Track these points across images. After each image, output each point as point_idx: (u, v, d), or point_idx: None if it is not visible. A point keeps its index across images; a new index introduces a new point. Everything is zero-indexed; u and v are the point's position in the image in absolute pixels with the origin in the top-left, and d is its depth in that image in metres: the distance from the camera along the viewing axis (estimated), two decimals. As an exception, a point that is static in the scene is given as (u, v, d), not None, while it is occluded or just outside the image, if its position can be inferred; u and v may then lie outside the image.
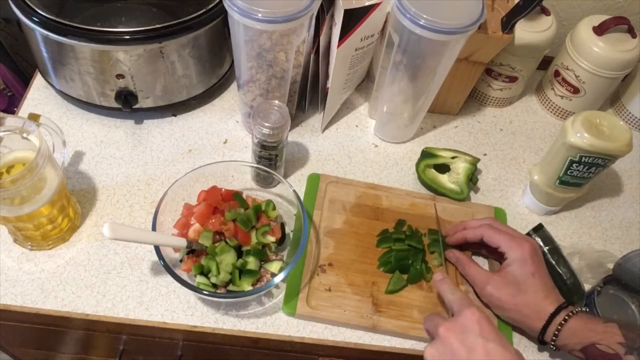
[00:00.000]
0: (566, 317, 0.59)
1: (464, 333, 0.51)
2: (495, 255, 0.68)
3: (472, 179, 0.78)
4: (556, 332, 0.59)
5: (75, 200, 0.70)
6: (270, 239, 0.66)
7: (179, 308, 0.65)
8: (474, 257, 0.72)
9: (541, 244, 0.71)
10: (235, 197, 0.67)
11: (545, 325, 0.60)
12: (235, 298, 0.64)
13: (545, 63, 0.90)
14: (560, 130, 0.69)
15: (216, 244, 0.63)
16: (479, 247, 0.71)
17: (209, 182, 0.69)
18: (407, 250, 0.69)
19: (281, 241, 0.68)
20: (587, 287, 0.70)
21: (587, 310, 0.61)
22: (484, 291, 0.64)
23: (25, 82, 1.06)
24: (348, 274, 0.68)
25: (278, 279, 0.60)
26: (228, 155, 0.79)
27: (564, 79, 0.87)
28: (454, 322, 0.53)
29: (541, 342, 0.62)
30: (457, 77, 0.80)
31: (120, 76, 0.73)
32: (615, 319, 0.60)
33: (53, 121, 0.68)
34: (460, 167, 0.77)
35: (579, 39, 0.82)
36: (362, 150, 0.83)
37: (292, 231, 0.69)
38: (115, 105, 0.77)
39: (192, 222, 0.65)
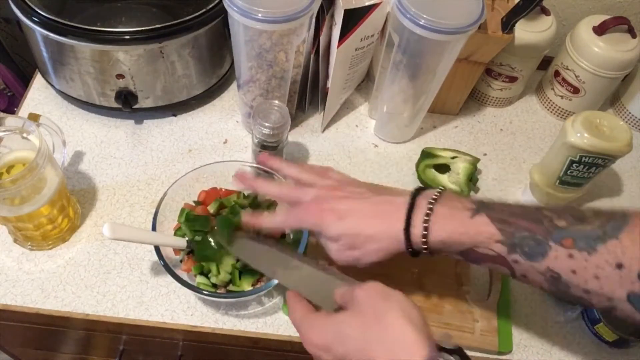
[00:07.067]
0: (424, 228, 0.50)
1: None
2: None
3: (472, 179, 0.78)
4: (424, 247, 0.51)
5: (75, 200, 0.70)
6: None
7: (179, 308, 0.65)
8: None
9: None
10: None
11: (406, 234, 0.51)
12: (235, 298, 0.64)
13: (545, 63, 0.90)
14: (560, 130, 0.69)
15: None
16: None
17: (209, 182, 0.69)
18: None
19: (281, 241, 0.68)
20: (587, 287, 0.70)
21: (440, 190, 0.52)
22: (334, 263, 0.56)
23: (25, 82, 1.06)
24: (348, 274, 0.68)
25: (278, 279, 0.60)
26: (228, 155, 0.79)
27: (564, 79, 0.87)
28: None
29: (413, 254, 0.53)
30: (457, 77, 0.80)
31: (120, 76, 0.73)
32: (481, 205, 0.51)
33: (53, 121, 0.68)
34: (460, 167, 0.77)
35: (579, 39, 0.82)
36: (362, 150, 0.83)
37: (292, 231, 0.69)
38: (115, 105, 0.77)
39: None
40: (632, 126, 0.92)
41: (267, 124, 0.66)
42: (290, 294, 0.53)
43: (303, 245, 0.62)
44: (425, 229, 0.50)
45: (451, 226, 0.50)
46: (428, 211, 0.51)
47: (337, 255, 0.55)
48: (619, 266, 0.44)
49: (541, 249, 0.47)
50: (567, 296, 0.48)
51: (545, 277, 0.48)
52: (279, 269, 0.57)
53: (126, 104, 0.76)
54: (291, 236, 0.68)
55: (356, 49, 0.74)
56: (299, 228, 0.60)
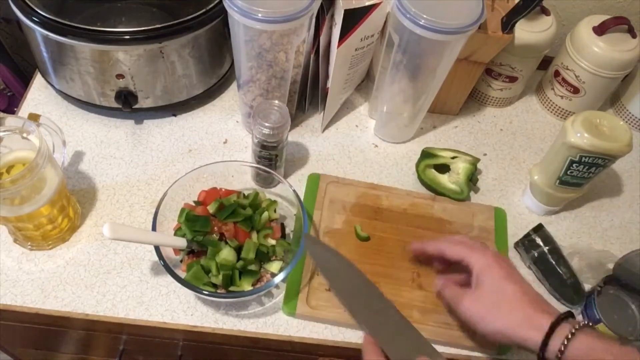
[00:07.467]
0: (573, 331, 0.51)
1: None
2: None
3: (472, 179, 0.78)
4: (562, 349, 0.51)
5: (75, 200, 0.70)
6: (271, 241, 0.66)
7: (179, 308, 0.65)
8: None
9: (541, 244, 0.71)
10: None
11: (546, 338, 0.52)
12: (235, 298, 0.64)
13: (545, 63, 0.90)
14: (560, 130, 0.69)
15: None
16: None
17: (209, 182, 0.69)
18: None
19: (281, 241, 0.67)
20: (587, 287, 0.70)
21: (592, 325, 0.55)
22: (460, 307, 0.58)
23: (25, 82, 1.06)
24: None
25: (278, 279, 0.60)
26: (228, 155, 0.79)
27: (564, 79, 0.87)
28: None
29: (542, 358, 0.54)
30: (457, 77, 0.80)
31: (120, 76, 0.73)
32: (632, 341, 0.54)
33: (53, 121, 0.68)
34: (460, 167, 0.77)
35: (579, 39, 0.82)
36: (362, 150, 0.83)
37: (292, 231, 0.69)
38: (115, 105, 0.77)
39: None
40: (632, 126, 0.92)
41: (267, 124, 0.66)
42: (368, 343, 0.53)
43: (303, 244, 0.62)
44: (569, 335, 0.51)
45: (596, 343, 0.51)
46: (577, 325, 0.52)
47: (467, 302, 0.57)
48: None
49: None
50: None
51: None
52: (364, 307, 0.58)
53: (126, 104, 0.76)
54: (291, 236, 0.68)
55: (356, 49, 0.74)
56: (455, 253, 0.61)
